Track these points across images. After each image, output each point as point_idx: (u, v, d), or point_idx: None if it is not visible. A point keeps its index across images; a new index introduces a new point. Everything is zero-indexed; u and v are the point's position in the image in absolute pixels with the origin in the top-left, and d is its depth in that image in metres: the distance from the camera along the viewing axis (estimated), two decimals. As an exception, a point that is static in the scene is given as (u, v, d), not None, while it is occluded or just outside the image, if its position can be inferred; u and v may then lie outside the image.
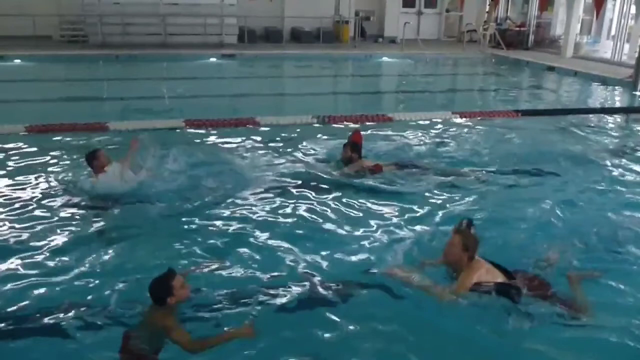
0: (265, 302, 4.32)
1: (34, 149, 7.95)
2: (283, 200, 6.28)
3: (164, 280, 3.75)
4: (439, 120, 10.26)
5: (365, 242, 5.34)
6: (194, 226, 5.61)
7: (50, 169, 7.13)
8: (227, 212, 5.93)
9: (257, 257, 5.01)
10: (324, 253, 5.07)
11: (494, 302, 4.09)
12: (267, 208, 6.07)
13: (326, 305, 4.32)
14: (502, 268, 4.36)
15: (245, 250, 5.12)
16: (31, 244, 5.18)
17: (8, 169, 7.19)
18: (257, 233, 5.47)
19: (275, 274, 4.75)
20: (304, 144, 8.46)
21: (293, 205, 6.18)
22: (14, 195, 6.30)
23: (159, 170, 6.52)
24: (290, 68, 17.86)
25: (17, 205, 6.01)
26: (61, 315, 4.13)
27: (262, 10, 20.56)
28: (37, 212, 5.84)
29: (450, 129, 9.71)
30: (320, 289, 4.51)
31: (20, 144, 8.17)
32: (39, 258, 4.93)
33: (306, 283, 4.59)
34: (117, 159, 6.40)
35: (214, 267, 4.74)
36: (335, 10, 21.28)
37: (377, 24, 22.92)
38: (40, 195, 6.27)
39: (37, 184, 6.63)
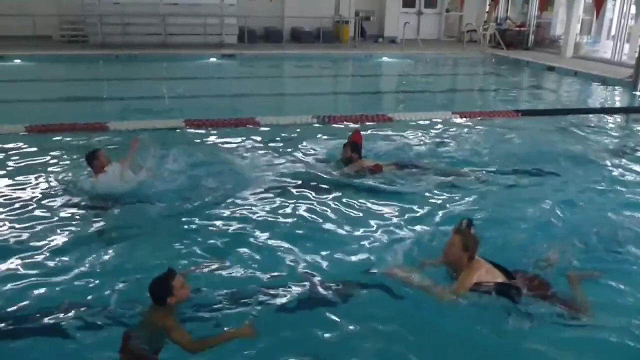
0: (265, 302, 4.32)
1: (34, 149, 7.94)
2: (283, 200, 6.28)
3: (164, 280, 3.75)
4: (439, 120, 10.26)
5: (365, 242, 5.34)
6: (194, 226, 5.61)
7: (50, 169, 7.13)
8: (227, 212, 5.92)
9: (257, 257, 5.01)
10: (324, 253, 5.07)
11: (494, 302, 4.10)
12: (267, 208, 6.07)
13: (326, 305, 4.32)
14: (502, 268, 4.36)
15: (245, 250, 5.11)
16: (31, 244, 5.17)
17: (8, 169, 7.19)
18: (257, 233, 5.47)
19: (275, 274, 4.74)
20: (304, 144, 8.46)
21: (293, 205, 6.17)
22: (14, 195, 6.30)
23: (159, 170, 6.52)
24: (290, 68, 17.84)
25: (17, 205, 6.01)
26: (61, 315, 4.13)
27: (262, 10, 20.56)
28: (37, 212, 5.84)
29: (450, 129, 9.71)
30: (320, 289, 4.51)
31: (20, 144, 8.17)
32: (39, 258, 4.92)
33: (306, 283, 4.59)
34: (117, 159, 6.39)
35: (214, 267, 4.74)
36: (335, 10, 21.28)
37: (377, 24, 22.92)
38: (40, 195, 6.27)
39: (37, 184, 6.62)
